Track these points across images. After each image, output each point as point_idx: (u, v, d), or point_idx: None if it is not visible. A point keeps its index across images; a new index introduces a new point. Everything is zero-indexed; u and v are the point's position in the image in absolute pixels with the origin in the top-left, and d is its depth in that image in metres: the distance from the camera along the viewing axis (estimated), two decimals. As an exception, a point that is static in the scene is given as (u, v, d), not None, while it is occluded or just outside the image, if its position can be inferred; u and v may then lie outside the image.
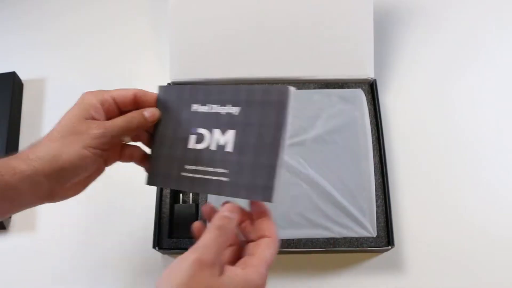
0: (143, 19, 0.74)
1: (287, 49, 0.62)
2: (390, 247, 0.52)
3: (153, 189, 0.56)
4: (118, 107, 0.39)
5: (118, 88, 0.40)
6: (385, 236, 0.53)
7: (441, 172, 0.60)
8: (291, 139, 0.57)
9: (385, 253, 0.56)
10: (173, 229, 0.55)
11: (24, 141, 0.66)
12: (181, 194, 0.58)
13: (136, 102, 0.40)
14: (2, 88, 0.66)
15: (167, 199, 0.55)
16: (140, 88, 0.67)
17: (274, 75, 0.62)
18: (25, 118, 0.68)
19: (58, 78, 0.70)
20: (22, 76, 0.69)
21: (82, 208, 0.60)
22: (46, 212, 0.61)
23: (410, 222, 0.57)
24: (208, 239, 0.32)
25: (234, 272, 0.31)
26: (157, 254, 0.56)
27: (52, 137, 0.35)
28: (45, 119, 0.67)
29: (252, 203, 0.37)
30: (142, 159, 0.42)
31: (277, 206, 0.54)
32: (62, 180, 0.35)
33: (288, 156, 0.56)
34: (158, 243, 0.53)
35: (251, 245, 0.35)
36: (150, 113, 0.39)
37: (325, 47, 0.62)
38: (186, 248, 0.52)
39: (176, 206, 0.56)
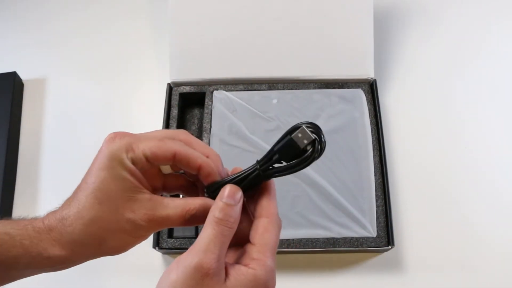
0: (143, 19, 0.74)
1: (287, 49, 0.62)
2: (390, 247, 0.52)
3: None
4: (151, 164, 0.30)
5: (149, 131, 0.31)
6: (385, 236, 0.53)
7: (441, 171, 0.60)
8: (291, 139, 0.57)
9: (385, 253, 0.56)
10: (173, 229, 0.55)
11: (25, 141, 0.66)
12: (180, 194, 0.58)
13: (175, 162, 0.30)
14: (2, 88, 0.66)
15: (167, 199, 0.55)
16: (142, 87, 0.68)
17: (274, 75, 0.62)
18: (25, 118, 0.68)
19: (58, 78, 0.71)
20: (22, 76, 0.69)
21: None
22: (46, 212, 0.61)
23: (410, 222, 0.57)
24: (209, 239, 0.26)
25: (240, 272, 0.27)
26: (157, 254, 0.56)
27: (87, 208, 0.28)
28: (46, 119, 0.67)
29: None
30: (188, 189, 0.34)
31: (277, 206, 0.54)
32: (94, 257, 0.30)
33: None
34: (158, 243, 0.53)
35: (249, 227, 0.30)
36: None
37: (325, 47, 0.62)
38: (186, 248, 0.52)
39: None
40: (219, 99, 0.61)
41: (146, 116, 0.66)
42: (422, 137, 0.63)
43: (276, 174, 0.28)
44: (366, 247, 0.52)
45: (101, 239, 0.28)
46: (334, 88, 0.62)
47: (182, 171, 0.33)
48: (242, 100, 0.60)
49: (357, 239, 0.52)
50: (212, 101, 0.61)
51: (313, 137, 0.26)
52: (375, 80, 0.61)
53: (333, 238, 0.52)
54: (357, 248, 0.52)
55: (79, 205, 0.28)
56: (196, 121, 0.64)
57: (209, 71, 0.62)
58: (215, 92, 0.61)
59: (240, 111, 0.60)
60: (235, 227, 0.28)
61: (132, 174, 0.29)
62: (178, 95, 0.62)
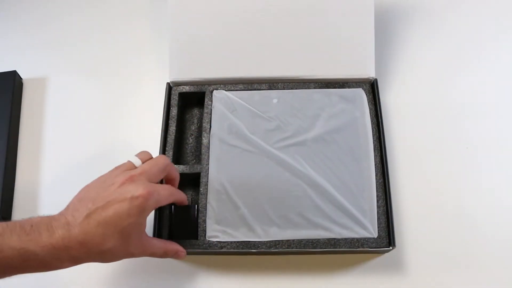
0: (143, 18, 0.74)
1: (287, 49, 0.61)
2: (391, 247, 0.52)
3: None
4: None
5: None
6: (386, 237, 0.53)
7: (443, 172, 0.60)
8: (291, 139, 0.57)
9: (386, 254, 0.55)
10: (173, 230, 0.55)
11: (24, 140, 0.66)
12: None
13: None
14: (2, 87, 0.66)
15: (166, 200, 0.55)
16: (141, 86, 0.68)
17: (274, 75, 0.62)
18: (25, 117, 0.68)
19: (58, 77, 0.71)
20: (22, 75, 0.69)
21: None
22: (48, 212, 0.60)
23: (412, 222, 0.57)
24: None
25: None
26: (156, 255, 0.56)
27: (95, 218, 0.39)
28: (46, 118, 0.67)
29: None
30: None
31: (277, 206, 0.54)
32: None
33: (288, 156, 0.56)
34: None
35: None
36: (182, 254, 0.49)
37: (326, 47, 0.61)
38: (185, 249, 0.52)
39: (175, 207, 0.56)
40: (219, 99, 0.60)
41: (146, 116, 0.66)
42: (423, 136, 0.62)
43: None
44: (367, 248, 0.52)
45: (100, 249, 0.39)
46: (334, 87, 0.61)
47: None
48: (242, 100, 0.60)
49: (358, 239, 0.52)
50: (211, 101, 0.61)
51: None
52: (376, 80, 0.61)
53: (334, 239, 0.52)
54: (358, 249, 0.52)
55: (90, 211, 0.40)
56: (195, 121, 0.64)
57: (209, 70, 0.62)
58: (214, 91, 0.61)
59: (240, 111, 0.59)
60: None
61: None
62: (177, 94, 0.61)
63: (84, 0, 0.76)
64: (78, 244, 0.37)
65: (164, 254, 0.46)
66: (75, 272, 0.57)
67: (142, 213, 0.40)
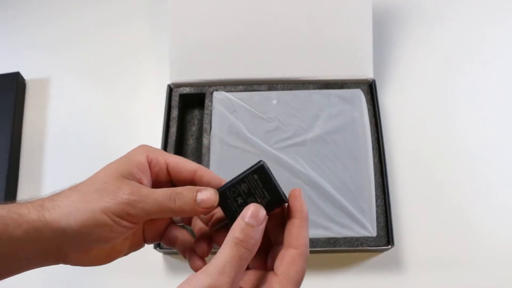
0: (143, 20, 0.75)
1: (287, 50, 0.62)
2: (390, 246, 0.52)
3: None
4: (170, 176, 0.30)
5: (178, 156, 0.31)
6: (385, 236, 0.53)
7: (441, 171, 0.60)
8: (291, 139, 0.58)
9: (385, 253, 0.56)
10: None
11: (27, 140, 0.66)
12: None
13: (194, 182, 0.30)
14: (6, 88, 0.66)
15: (168, 200, 0.56)
16: (142, 88, 0.69)
17: (274, 76, 0.62)
18: (27, 118, 0.68)
19: (61, 78, 0.71)
20: (25, 76, 0.70)
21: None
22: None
23: (410, 221, 0.57)
24: (225, 261, 0.25)
25: None
26: (158, 255, 0.57)
27: (78, 188, 0.28)
28: (48, 119, 0.68)
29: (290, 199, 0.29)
30: (185, 250, 0.32)
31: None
32: (73, 244, 0.27)
33: (288, 156, 0.56)
34: (159, 243, 0.54)
35: (275, 254, 0.28)
36: (205, 196, 0.27)
37: (325, 48, 0.62)
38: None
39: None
40: (219, 100, 0.61)
41: (147, 117, 0.66)
42: (421, 137, 0.63)
43: None
44: (366, 246, 0.52)
45: (75, 209, 0.26)
46: (333, 88, 0.62)
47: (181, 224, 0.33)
48: (242, 101, 0.61)
49: (357, 238, 0.53)
50: (212, 102, 0.61)
51: None
52: (374, 81, 0.61)
53: (333, 237, 0.53)
54: (357, 248, 0.53)
55: (76, 185, 0.28)
56: (196, 122, 0.65)
57: (209, 72, 0.62)
58: (215, 93, 0.62)
59: (240, 112, 0.60)
60: (255, 250, 0.26)
61: (139, 167, 0.29)
62: (178, 96, 0.62)
63: (86, 2, 0.77)
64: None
65: (171, 195, 0.27)
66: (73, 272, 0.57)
67: (132, 153, 0.30)
